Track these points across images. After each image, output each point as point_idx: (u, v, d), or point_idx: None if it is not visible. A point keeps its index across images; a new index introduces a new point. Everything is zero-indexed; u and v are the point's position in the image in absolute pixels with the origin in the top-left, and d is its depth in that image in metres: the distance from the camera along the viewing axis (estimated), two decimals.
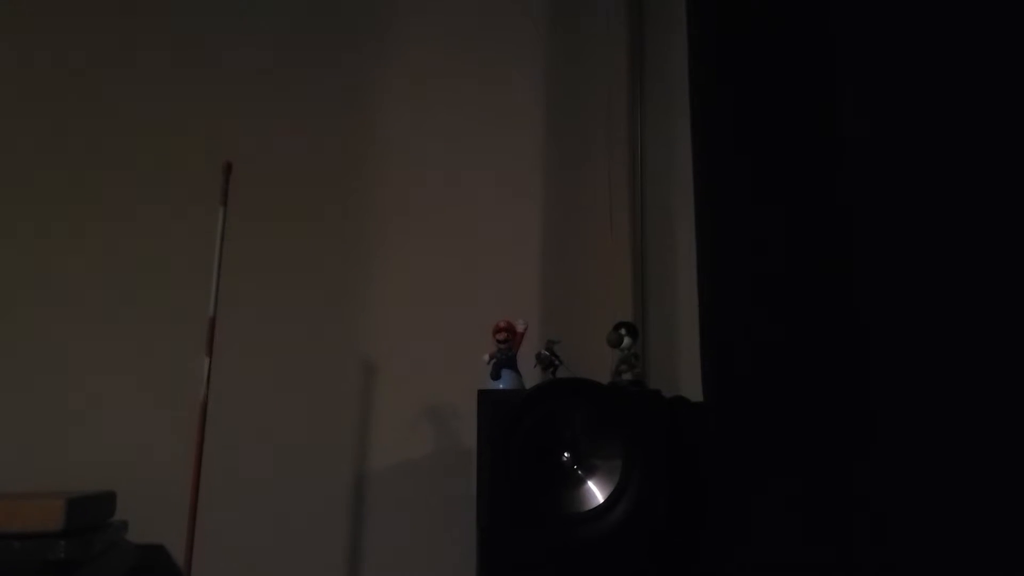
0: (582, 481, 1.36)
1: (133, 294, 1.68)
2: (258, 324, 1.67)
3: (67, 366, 1.63)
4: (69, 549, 1.07)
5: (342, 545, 1.63)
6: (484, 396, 1.42)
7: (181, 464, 1.39)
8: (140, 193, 1.73)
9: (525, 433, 1.35)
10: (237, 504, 1.58)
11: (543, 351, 1.63)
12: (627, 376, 1.45)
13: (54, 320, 1.64)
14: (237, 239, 1.48)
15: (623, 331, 1.46)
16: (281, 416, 1.68)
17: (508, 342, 1.47)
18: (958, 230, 0.92)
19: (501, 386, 1.44)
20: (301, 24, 1.88)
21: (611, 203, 1.95)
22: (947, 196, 0.94)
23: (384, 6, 1.92)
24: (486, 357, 1.48)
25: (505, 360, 1.46)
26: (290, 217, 1.78)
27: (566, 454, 1.38)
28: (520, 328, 1.49)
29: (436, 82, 1.91)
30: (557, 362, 1.61)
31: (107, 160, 1.74)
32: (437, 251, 1.83)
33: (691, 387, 1.55)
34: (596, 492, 1.33)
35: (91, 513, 1.23)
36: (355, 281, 1.78)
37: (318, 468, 1.67)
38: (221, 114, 1.79)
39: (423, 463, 1.70)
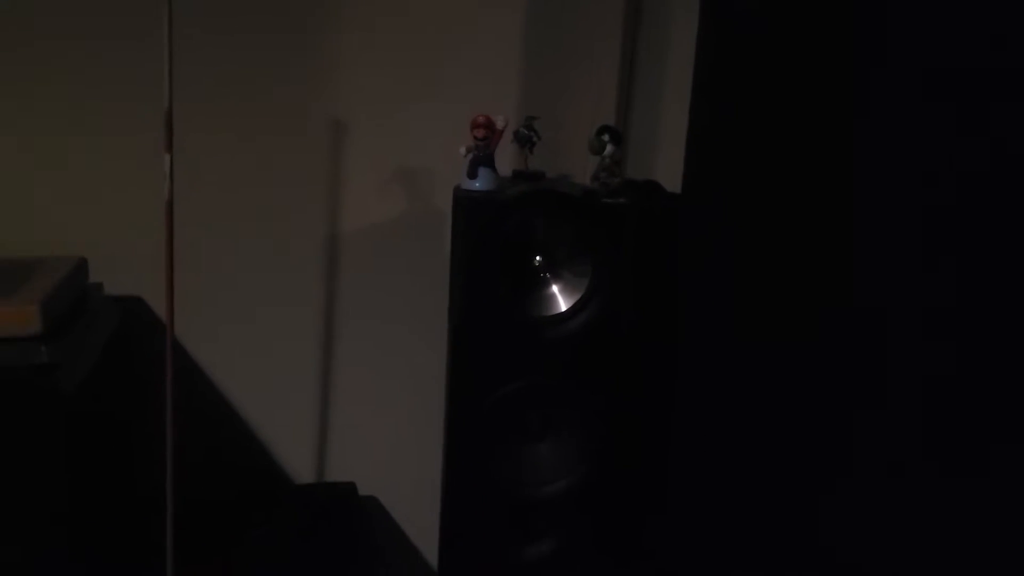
0: (549, 287, 1.40)
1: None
2: (220, 86, 1.55)
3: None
4: (50, 352, 1.11)
5: (317, 301, 1.71)
6: (460, 194, 1.40)
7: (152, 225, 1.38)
8: None
9: (500, 238, 1.36)
10: (213, 261, 1.60)
11: (521, 128, 1.58)
12: (612, 181, 1.41)
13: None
14: None
15: (606, 137, 1.40)
16: (250, 170, 1.63)
17: (487, 139, 1.40)
18: None
19: (477, 185, 1.40)
20: None
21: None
22: None
23: None
24: (463, 150, 1.42)
25: (483, 157, 1.41)
26: None
27: (538, 258, 1.41)
28: (500, 125, 1.41)
29: None
30: (536, 138, 1.57)
31: None
32: (415, 14, 1.63)
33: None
34: (561, 300, 1.38)
35: (66, 300, 1.26)
36: (323, 36, 1.62)
37: (291, 227, 1.68)
38: None
39: (397, 226, 1.70)
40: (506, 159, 1.55)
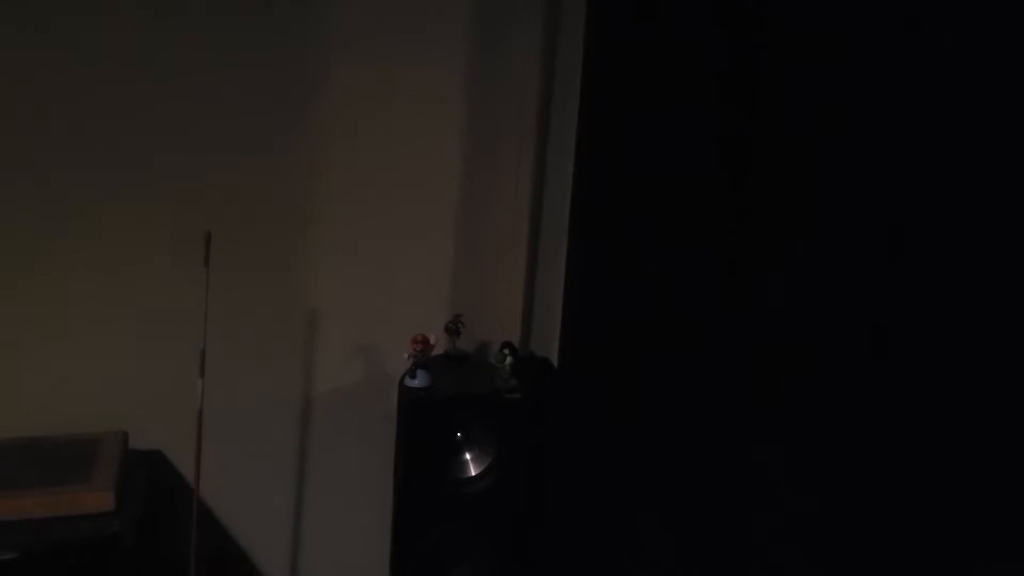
0: (464, 455, 1.98)
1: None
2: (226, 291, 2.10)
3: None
4: (121, 523, 1.63)
5: (294, 454, 2.25)
6: (404, 391, 1.98)
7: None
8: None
9: (431, 422, 1.94)
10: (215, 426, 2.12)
11: (449, 323, 2.18)
12: (511, 383, 2.00)
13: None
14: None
15: (506, 351, 2.00)
16: (257, 350, 2.17)
17: (423, 351, 1.98)
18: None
19: (417, 383, 1.98)
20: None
21: (517, 193, 2.34)
22: None
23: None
24: (406, 355, 2.00)
25: (420, 363, 1.99)
26: (250, 212, 2.11)
27: (458, 434, 1.99)
28: (432, 341, 2.00)
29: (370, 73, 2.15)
30: (461, 329, 2.18)
31: None
32: (369, 233, 2.22)
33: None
34: (472, 467, 1.96)
35: (123, 474, 1.78)
36: (306, 248, 2.19)
37: (276, 395, 2.22)
38: None
39: (359, 396, 2.26)
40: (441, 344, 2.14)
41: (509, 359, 2.00)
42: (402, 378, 2.02)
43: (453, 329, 2.20)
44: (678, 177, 1.58)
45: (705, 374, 1.45)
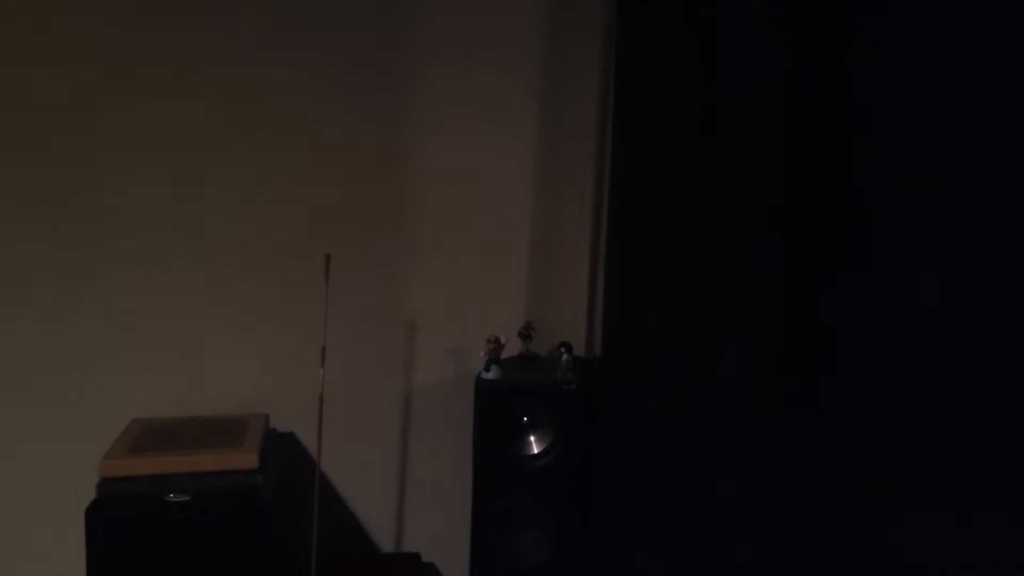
0: (529, 437, 2.38)
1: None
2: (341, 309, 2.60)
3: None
4: (263, 480, 2.15)
5: (397, 437, 2.73)
6: (479, 382, 2.41)
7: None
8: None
9: (502, 410, 2.36)
10: (336, 412, 2.61)
11: (522, 328, 2.60)
12: (568, 376, 2.39)
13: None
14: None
15: (563, 349, 2.40)
16: (359, 349, 2.67)
17: (495, 349, 2.41)
18: None
19: (490, 376, 2.40)
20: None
21: (582, 211, 2.74)
22: None
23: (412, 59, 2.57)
24: (482, 353, 2.44)
25: (493, 358, 2.42)
26: (360, 237, 2.62)
27: (525, 418, 2.40)
28: (503, 340, 2.42)
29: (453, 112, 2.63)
30: (532, 334, 2.59)
31: None
32: (456, 253, 2.68)
33: None
34: (535, 446, 2.36)
35: (264, 444, 2.30)
36: (401, 273, 2.67)
37: (380, 386, 2.71)
38: None
39: (447, 388, 2.72)
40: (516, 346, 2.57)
41: (566, 356, 2.39)
42: (479, 373, 2.46)
43: (525, 334, 2.63)
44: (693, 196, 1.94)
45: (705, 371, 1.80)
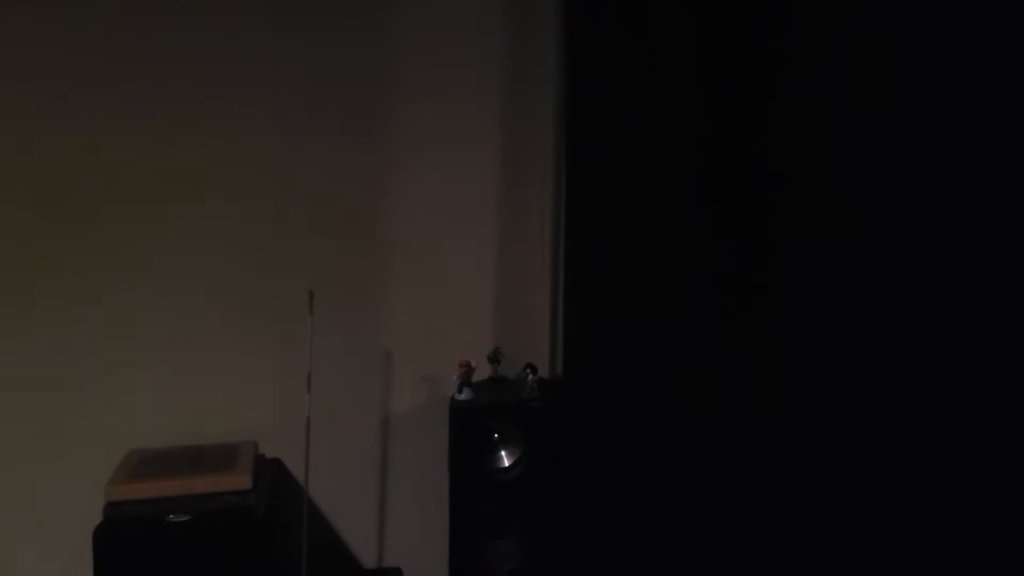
0: (500, 452, 2.61)
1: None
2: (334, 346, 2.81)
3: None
4: (256, 499, 2.34)
5: (378, 458, 2.93)
6: (453, 403, 2.64)
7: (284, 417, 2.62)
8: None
9: (474, 427, 2.58)
10: (320, 438, 2.81)
11: (490, 354, 2.83)
12: (533, 395, 2.62)
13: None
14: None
15: (528, 370, 2.64)
16: (340, 378, 2.88)
17: (467, 372, 2.64)
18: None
19: (462, 397, 2.63)
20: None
21: (542, 231, 3.00)
22: None
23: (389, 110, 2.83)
24: (455, 377, 2.66)
25: (465, 381, 2.65)
26: (340, 275, 2.85)
27: (495, 435, 2.62)
28: (474, 364, 2.66)
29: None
30: (500, 358, 2.82)
31: None
32: (427, 284, 2.92)
33: None
34: (505, 460, 2.58)
35: (255, 467, 2.50)
36: (377, 306, 2.90)
37: (361, 411, 2.92)
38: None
39: (423, 411, 2.93)
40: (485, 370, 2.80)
41: (531, 376, 2.63)
42: (452, 395, 2.69)
43: (493, 358, 2.86)
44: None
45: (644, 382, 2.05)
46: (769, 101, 1.78)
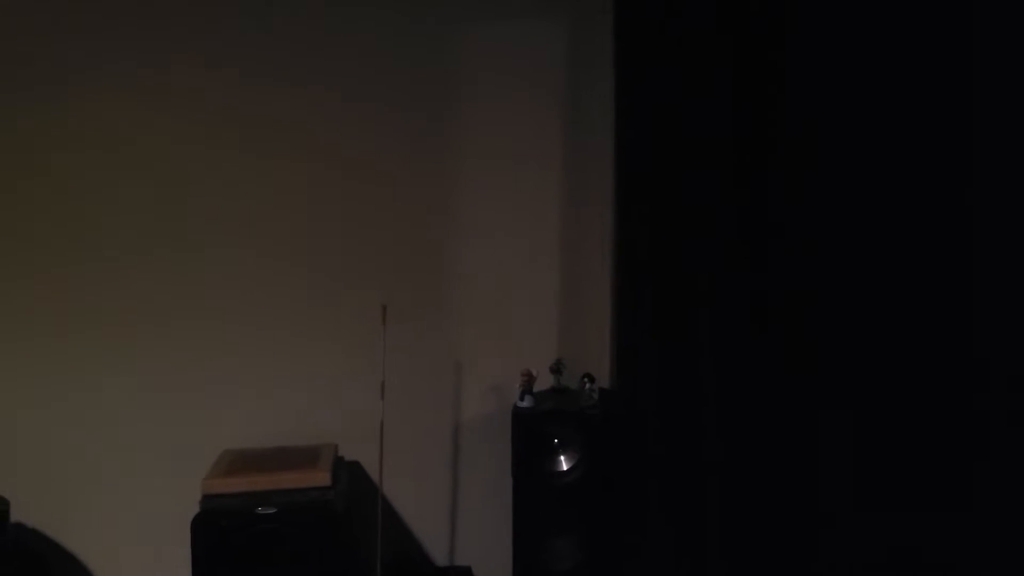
0: (559, 455, 2.75)
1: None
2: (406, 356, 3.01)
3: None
4: (335, 495, 2.56)
5: (448, 461, 3.12)
6: (515, 410, 2.80)
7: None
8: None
9: (536, 432, 2.74)
10: (394, 442, 3.02)
11: (553, 364, 2.98)
12: (591, 402, 2.76)
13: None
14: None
15: (586, 379, 2.77)
16: (420, 388, 3.08)
17: (528, 381, 2.80)
18: None
19: (524, 404, 2.79)
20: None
21: (603, 253, 3.14)
22: None
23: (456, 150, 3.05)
24: (517, 386, 2.83)
25: (527, 389, 2.81)
26: (413, 292, 3.07)
27: (555, 440, 2.76)
28: (535, 374, 2.81)
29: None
30: (563, 369, 2.97)
31: None
32: (496, 300, 3.10)
33: None
34: (564, 463, 2.73)
35: (334, 466, 2.72)
36: (449, 313, 3.10)
37: (431, 417, 3.11)
38: None
39: (488, 419, 3.10)
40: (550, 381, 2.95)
41: (589, 385, 2.77)
42: (515, 402, 2.85)
43: (556, 369, 3.01)
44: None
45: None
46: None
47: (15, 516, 2.69)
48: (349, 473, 2.95)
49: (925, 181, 1.54)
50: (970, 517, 1.44)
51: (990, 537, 1.39)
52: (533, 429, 2.75)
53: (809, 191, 1.86)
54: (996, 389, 1.38)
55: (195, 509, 2.52)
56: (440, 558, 3.14)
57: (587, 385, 2.78)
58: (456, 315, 3.11)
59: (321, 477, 2.60)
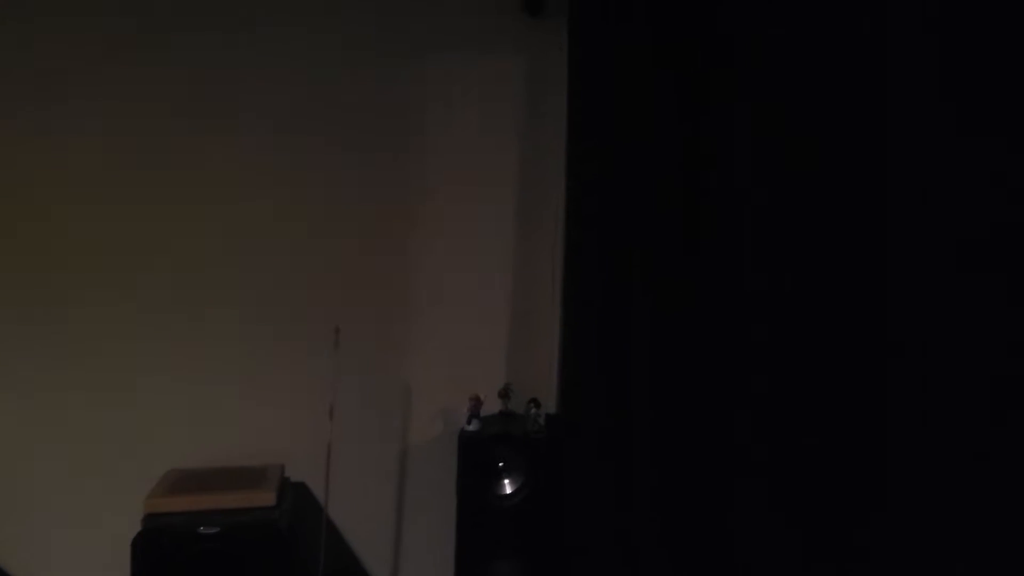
0: (503, 479, 2.81)
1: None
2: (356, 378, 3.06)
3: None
4: (280, 515, 2.58)
5: (395, 483, 3.15)
6: (462, 434, 2.86)
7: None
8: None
9: (481, 456, 2.79)
10: (341, 464, 3.04)
11: (501, 389, 3.05)
12: (536, 427, 2.83)
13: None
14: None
15: (532, 404, 2.85)
16: (369, 411, 3.12)
17: (475, 405, 2.87)
18: None
19: (471, 428, 2.85)
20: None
21: (553, 283, 3.23)
22: None
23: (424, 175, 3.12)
24: (465, 410, 2.89)
25: (474, 414, 2.87)
26: (363, 314, 3.12)
27: (500, 463, 2.82)
28: (482, 398, 2.88)
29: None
30: (511, 394, 3.04)
31: None
32: (445, 323, 3.17)
33: None
34: (508, 487, 2.79)
35: (280, 486, 2.74)
36: (400, 345, 3.15)
37: (379, 439, 3.15)
38: None
39: (438, 441, 3.15)
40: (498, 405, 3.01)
41: (534, 410, 2.84)
42: (463, 426, 2.91)
43: (504, 394, 3.07)
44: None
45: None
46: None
47: None
48: (295, 494, 2.96)
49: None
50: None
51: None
52: (478, 452, 2.81)
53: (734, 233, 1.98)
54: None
55: (138, 528, 2.52)
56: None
57: (533, 410, 2.85)
58: (407, 339, 3.16)
59: (266, 497, 2.62)
